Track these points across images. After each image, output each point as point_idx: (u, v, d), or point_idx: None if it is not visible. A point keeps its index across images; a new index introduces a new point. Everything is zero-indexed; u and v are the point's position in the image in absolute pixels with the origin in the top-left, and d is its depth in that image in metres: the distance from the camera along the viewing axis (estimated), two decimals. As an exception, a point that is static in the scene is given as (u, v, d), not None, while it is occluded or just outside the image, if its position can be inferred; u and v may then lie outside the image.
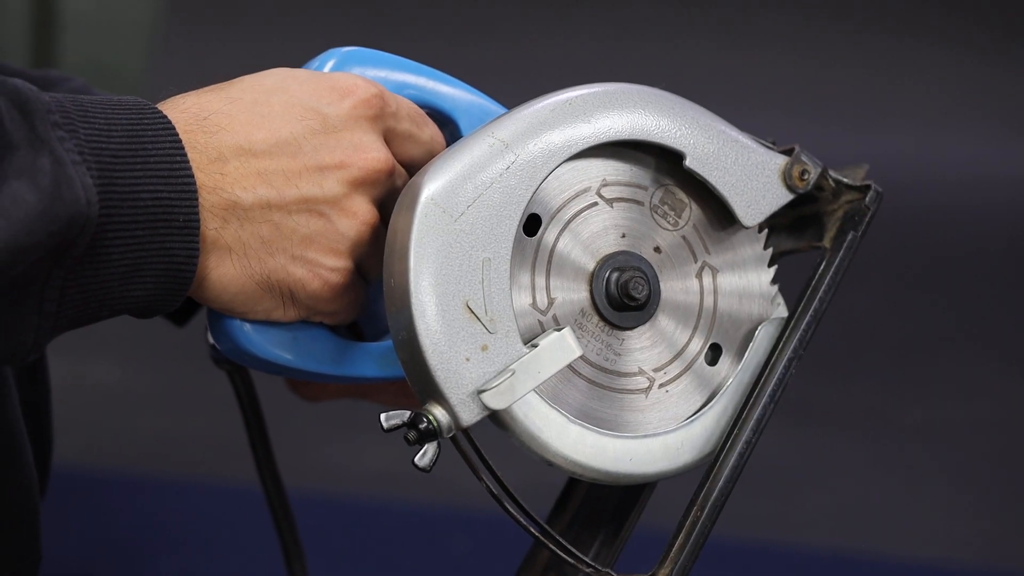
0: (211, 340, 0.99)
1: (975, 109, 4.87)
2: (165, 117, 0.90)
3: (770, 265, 1.01)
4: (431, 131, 0.99)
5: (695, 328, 0.99)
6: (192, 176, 0.89)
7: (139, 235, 0.88)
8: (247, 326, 0.96)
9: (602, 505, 1.03)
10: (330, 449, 2.21)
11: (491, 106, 1.03)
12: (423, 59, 1.04)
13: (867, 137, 4.50)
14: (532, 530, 0.95)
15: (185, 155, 0.89)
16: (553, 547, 0.95)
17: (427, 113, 1.00)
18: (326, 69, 0.99)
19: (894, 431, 2.52)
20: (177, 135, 0.89)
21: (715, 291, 0.99)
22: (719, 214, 0.99)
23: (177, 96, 0.93)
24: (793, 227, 1.04)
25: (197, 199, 0.89)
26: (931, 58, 5.24)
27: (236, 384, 1.13)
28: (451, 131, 1.02)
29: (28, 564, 1.07)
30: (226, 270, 0.92)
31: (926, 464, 2.39)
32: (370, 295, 1.00)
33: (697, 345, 0.99)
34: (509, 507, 0.94)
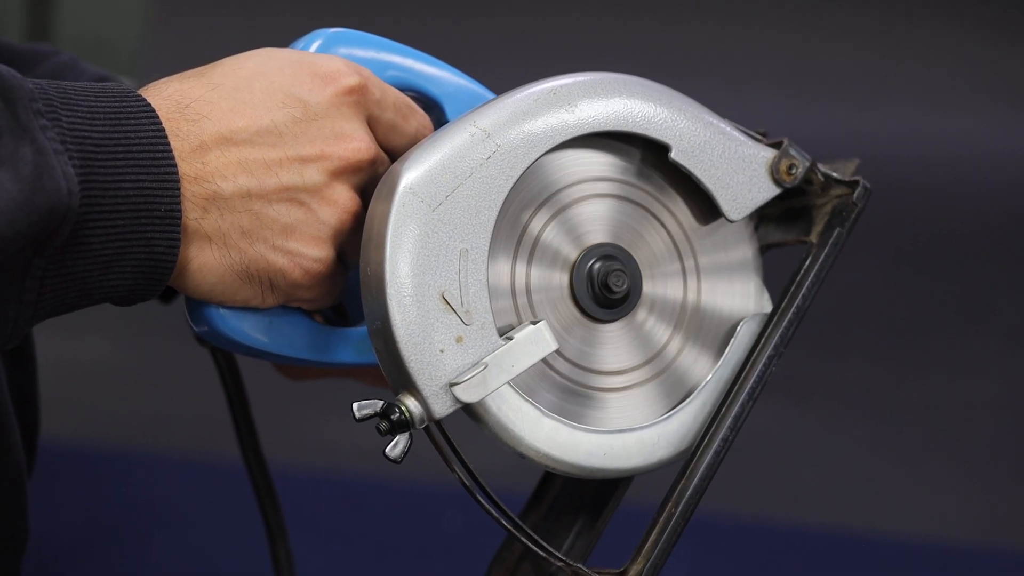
0: (189, 322, 0.98)
1: (974, 85, 4.85)
2: (148, 105, 0.89)
3: (756, 259, 1.00)
4: (417, 122, 0.97)
5: (675, 324, 0.98)
6: (175, 165, 0.88)
7: (120, 225, 0.87)
8: (224, 311, 0.95)
9: (578, 497, 1.02)
10: (322, 426, 2.20)
11: (479, 90, 1.02)
12: (412, 41, 1.02)
13: (867, 113, 4.48)
14: (504, 523, 0.94)
15: (168, 144, 0.88)
16: (525, 540, 0.94)
17: (413, 97, 0.99)
18: (311, 50, 0.98)
19: (890, 409, 2.51)
20: (160, 123, 0.89)
21: (698, 286, 0.98)
22: (705, 207, 0.98)
23: (159, 82, 0.92)
24: (782, 219, 1.03)
25: (179, 189, 0.88)
26: (933, 34, 5.21)
27: (219, 361, 1.13)
28: (437, 116, 1.01)
29: (16, 543, 1.07)
30: (206, 260, 0.91)
31: (922, 442, 2.39)
32: (353, 278, 0.99)
33: (676, 341, 0.98)
34: (481, 499, 0.93)
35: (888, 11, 5.30)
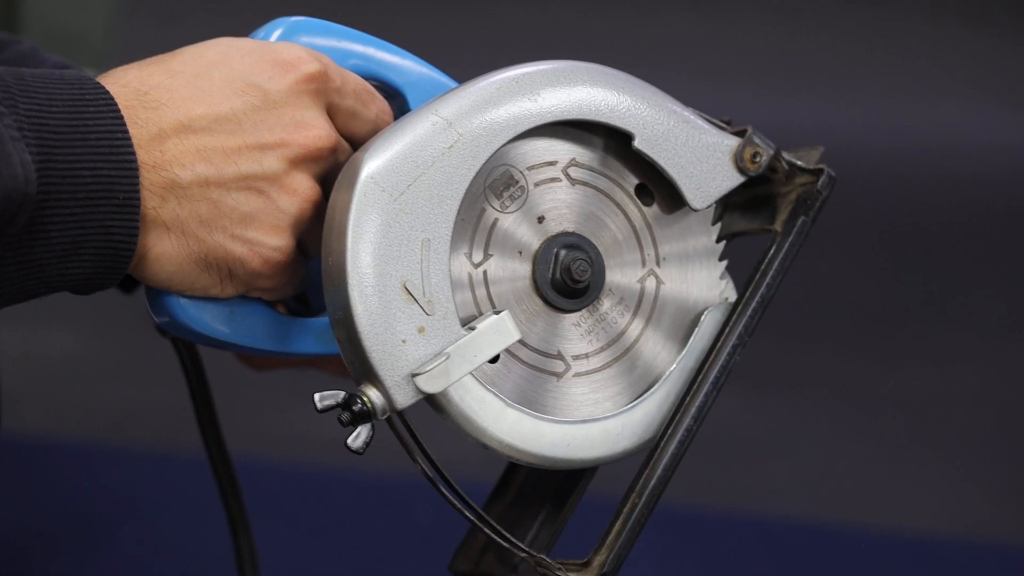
0: (150, 313, 0.98)
1: (951, 77, 4.85)
2: (107, 92, 0.88)
3: (721, 247, 0.99)
4: (377, 107, 0.97)
5: (638, 312, 0.97)
6: (133, 153, 0.88)
7: (78, 213, 0.87)
8: (184, 300, 0.94)
9: (542, 487, 1.02)
10: (290, 416, 2.19)
11: (441, 79, 1.01)
12: (375, 31, 1.02)
13: (841, 104, 4.48)
14: (467, 514, 0.94)
15: (127, 132, 0.88)
16: (488, 532, 0.94)
17: (376, 86, 0.98)
18: (273, 39, 0.97)
19: (863, 399, 2.51)
20: (119, 111, 0.88)
21: (662, 275, 0.98)
22: (668, 196, 0.98)
23: (118, 69, 0.92)
24: (747, 207, 1.03)
25: (138, 177, 0.88)
26: (912, 26, 5.22)
27: (181, 352, 1.12)
28: (399, 104, 1.00)
29: None
30: (164, 248, 0.90)
31: (896, 433, 2.39)
32: (315, 268, 0.99)
33: (639, 330, 0.97)
34: (443, 490, 0.93)
35: (871, 3, 5.31)
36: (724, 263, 0.99)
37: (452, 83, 1.01)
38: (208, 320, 0.95)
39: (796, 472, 2.19)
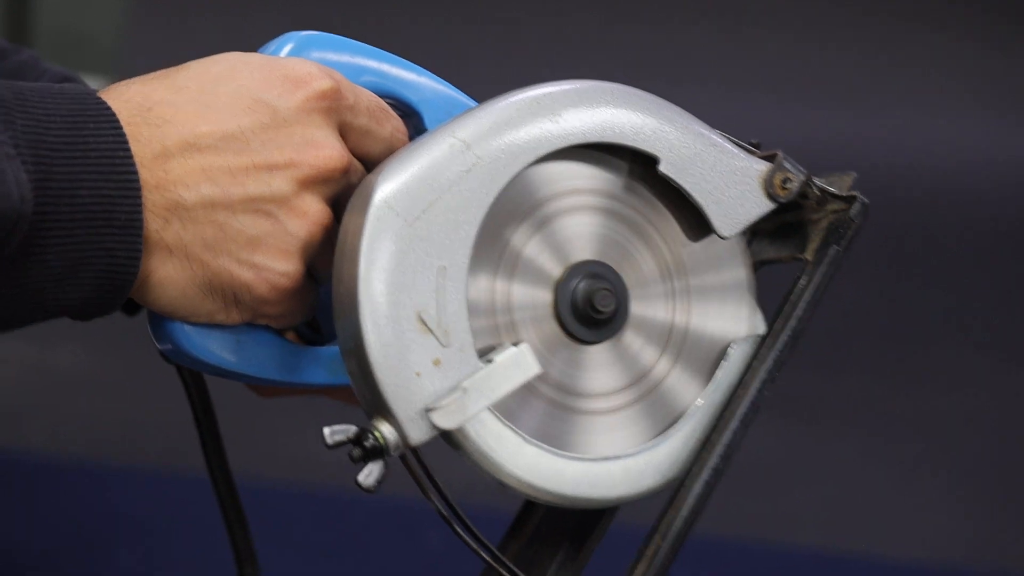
0: (153, 340, 0.94)
1: (968, 93, 4.81)
2: (108, 107, 0.84)
3: (749, 277, 0.95)
4: (392, 126, 0.93)
5: (663, 345, 0.93)
6: (135, 172, 0.84)
7: (77, 234, 0.83)
8: (188, 327, 0.90)
9: (561, 526, 0.97)
10: (298, 438, 2.15)
11: (458, 98, 0.97)
12: (389, 45, 0.98)
13: (860, 120, 4.44)
14: (483, 555, 0.90)
15: (128, 149, 0.84)
16: (505, 573, 0.90)
17: (390, 104, 0.94)
18: (283, 54, 0.93)
19: (884, 424, 2.47)
20: (120, 127, 0.84)
21: (688, 306, 0.94)
22: (695, 222, 0.93)
23: (120, 84, 0.87)
24: (776, 235, 0.98)
25: (141, 197, 0.84)
26: (927, 41, 5.17)
27: (185, 380, 1.08)
28: (414, 124, 0.96)
29: None
30: (167, 272, 0.86)
31: (917, 458, 2.34)
32: (326, 293, 0.95)
33: (665, 364, 0.93)
34: (459, 530, 0.89)
35: (885, 18, 5.27)
36: (753, 293, 0.95)
37: (469, 102, 0.97)
38: (213, 348, 0.91)
39: (818, 499, 2.15)
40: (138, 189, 0.83)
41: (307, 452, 2.13)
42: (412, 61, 0.97)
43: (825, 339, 2.73)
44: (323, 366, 0.95)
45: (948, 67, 5.01)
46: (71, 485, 1.98)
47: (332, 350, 0.95)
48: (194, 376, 1.08)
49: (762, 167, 0.93)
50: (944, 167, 4.19)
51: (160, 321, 0.90)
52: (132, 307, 1.13)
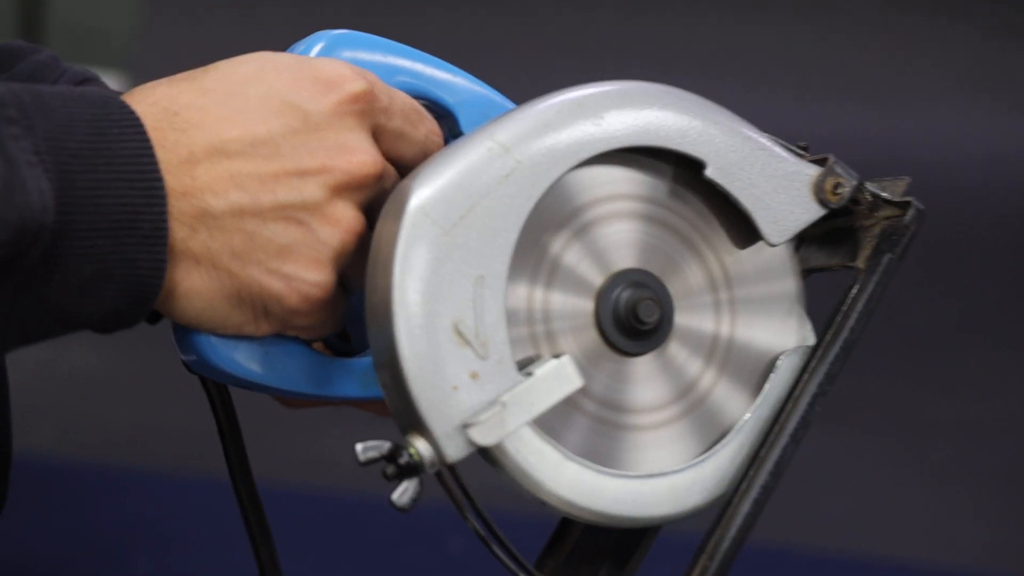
0: (177, 350, 0.90)
1: (1001, 86, 4.75)
2: (132, 112, 0.80)
3: (798, 286, 0.91)
4: (427, 128, 0.89)
5: (709, 357, 0.89)
6: (161, 179, 0.80)
7: (100, 244, 0.79)
8: (214, 339, 0.87)
9: (602, 543, 0.93)
10: (323, 443, 2.12)
11: (495, 99, 0.93)
12: (422, 44, 0.94)
13: (888, 115, 4.39)
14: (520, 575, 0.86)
15: (153, 155, 0.80)
16: (544, 595, 0.86)
17: (424, 105, 0.90)
18: (313, 53, 0.89)
19: (917, 428, 2.42)
20: (145, 132, 0.80)
21: (735, 316, 0.90)
22: (742, 229, 0.90)
23: (145, 86, 0.84)
24: (825, 241, 0.94)
25: (166, 205, 0.80)
26: (952, 37, 5.12)
27: (210, 391, 1.04)
28: (449, 126, 0.93)
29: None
30: (194, 283, 0.83)
31: (951, 464, 2.30)
32: (357, 302, 0.91)
33: (711, 376, 0.89)
34: (496, 551, 0.85)
35: (909, 12, 5.21)
36: (802, 303, 0.91)
37: (507, 103, 0.93)
38: (240, 360, 0.87)
39: (849, 505, 2.11)
40: (163, 197, 0.80)
41: (329, 456, 2.10)
42: (445, 59, 0.94)
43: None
44: (354, 378, 0.91)
45: (978, 61, 4.96)
46: (85, 489, 1.95)
47: (364, 362, 0.91)
48: (218, 387, 1.04)
49: (813, 171, 0.90)
50: (983, 162, 4.14)
51: (185, 332, 0.87)
52: (155, 315, 1.09)
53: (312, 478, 2.02)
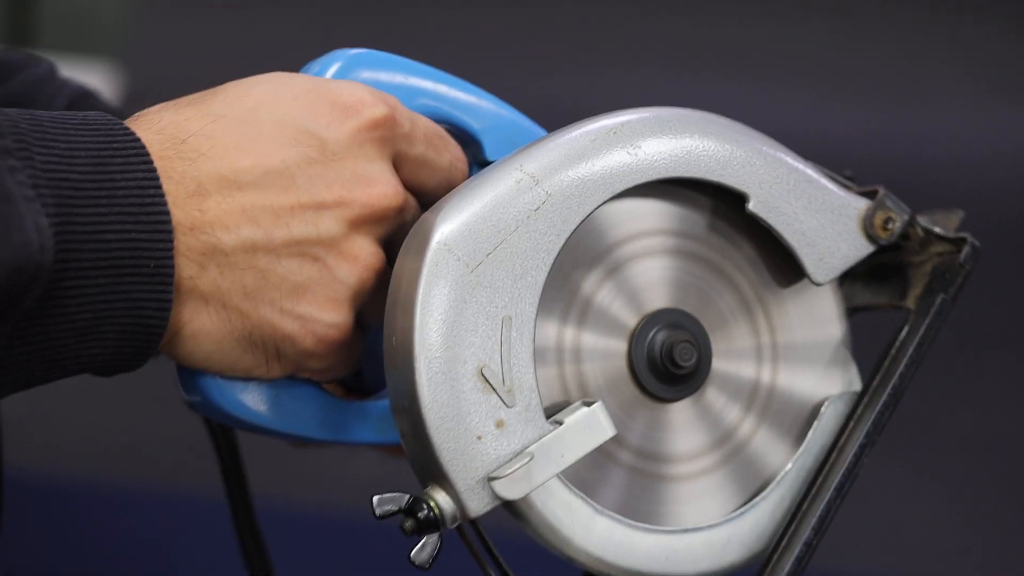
0: (180, 391, 0.84)
1: (1020, 84, 4.69)
2: (137, 140, 0.75)
3: (844, 327, 0.86)
4: (451, 155, 0.83)
5: (750, 405, 0.84)
6: (167, 213, 0.74)
7: (101, 283, 0.73)
8: (221, 380, 0.81)
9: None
10: (324, 458, 2.07)
11: (523, 123, 0.88)
12: (444, 63, 0.88)
13: (903, 113, 4.32)
14: (547, 637, 0.81)
15: (160, 187, 0.74)
16: (571, 658, 0.81)
17: (447, 130, 0.85)
18: (329, 74, 0.84)
19: (937, 441, 2.37)
20: (151, 162, 0.74)
21: (776, 359, 0.84)
22: (785, 266, 0.84)
23: (151, 111, 0.78)
24: (872, 277, 0.89)
25: (172, 240, 0.74)
26: (968, 35, 5.06)
27: (215, 432, 0.98)
28: (474, 153, 0.87)
29: None
30: (202, 324, 0.77)
31: (972, 477, 2.25)
32: (373, 339, 0.85)
33: (750, 425, 0.83)
34: (521, 610, 0.80)
35: (921, 10, 5.15)
36: (847, 346, 0.86)
37: (535, 128, 0.87)
38: (248, 403, 0.82)
39: (868, 522, 2.05)
40: (170, 232, 0.74)
41: (326, 472, 2.05)
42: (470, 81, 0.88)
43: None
44: (370, 423, 0.85)
45: (993, 60, 4.90)
46: (76, 506, 1.90)
47: (380, 405, 0.85)
48: (223, 430, 0.99)
49: (861, 205, 0.84)
50: (1000, 162, 4.07)
51: (190, 372, 0.81)
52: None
53: (310, 495, 1.97)
